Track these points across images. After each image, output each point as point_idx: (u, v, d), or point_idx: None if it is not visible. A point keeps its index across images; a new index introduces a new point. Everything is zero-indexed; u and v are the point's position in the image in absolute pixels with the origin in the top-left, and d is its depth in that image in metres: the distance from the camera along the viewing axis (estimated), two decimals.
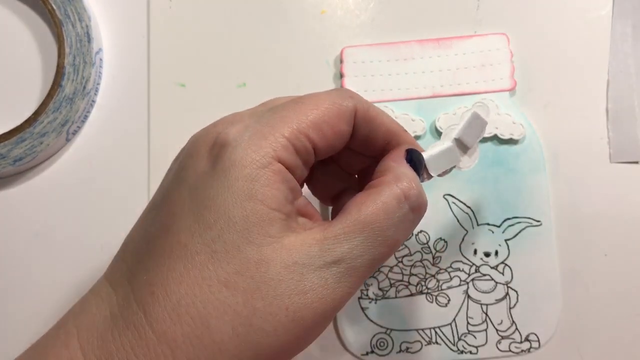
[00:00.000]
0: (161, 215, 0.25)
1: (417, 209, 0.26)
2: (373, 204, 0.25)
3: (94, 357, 0.22)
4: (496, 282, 0.37)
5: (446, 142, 0.29)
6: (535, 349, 0.37)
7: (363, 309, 0.37)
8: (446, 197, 0.38)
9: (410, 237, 0.37)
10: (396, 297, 0.37)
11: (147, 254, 0.24)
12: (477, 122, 0.29)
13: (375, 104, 0.38)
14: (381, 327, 0.37)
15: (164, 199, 0.25)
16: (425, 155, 0.28)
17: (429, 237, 0.37)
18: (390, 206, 0.25)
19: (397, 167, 0.26)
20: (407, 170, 0.26)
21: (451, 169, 0.29)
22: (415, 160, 0.27)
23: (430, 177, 0.28)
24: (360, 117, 0.27)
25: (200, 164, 0.25)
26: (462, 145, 0.29)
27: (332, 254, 0.24)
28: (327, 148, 0.26)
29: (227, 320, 0.22)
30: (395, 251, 0.26)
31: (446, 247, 0.37)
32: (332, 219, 0.25)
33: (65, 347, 0.23)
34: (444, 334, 0.37)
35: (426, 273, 0.37)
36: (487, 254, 0.37)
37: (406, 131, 0.29)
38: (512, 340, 0.37)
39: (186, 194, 0.24)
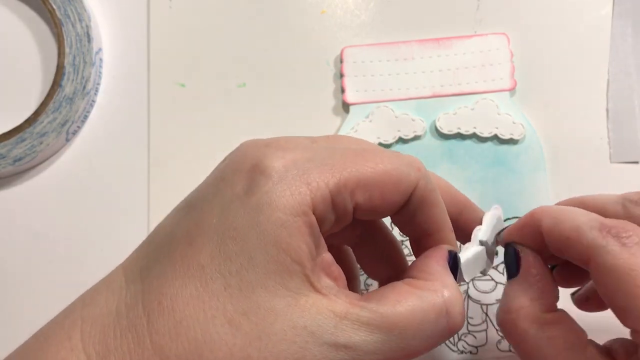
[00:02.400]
0: (189, 220, 0.24)
1: (453, 327, 0.24)
2: (410, 309, 0.23)
3: (93, 351, 0.22)
4: (496, 282, 0.37)
5: (475, 246, 0.27)
6: None
7: None
8: None
9: None
10: None
11: (166, 258, 0.23)
12: (498, 224, 0.28)
13: (375, 104, 0.38)
14: None
15: (197, 203, 0.24)
16: (461, 258, 0.26)
17: None
18: (427, 317, 0.23)
19: (443, 275, 0.25)
20: (451, 279, 0.25)
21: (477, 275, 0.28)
22: (454, 266, 0.26)
23: (462, 282, 0.27)
24: (418, 195, 0.25)
25: (239, 183, 0.23)
26: (488, 250, 0.28)
27: (344, 337, 0.22)
28: (369, 212, 0.24)
29: (220, 357, 0.21)
30: None
31: None
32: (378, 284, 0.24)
33: (68, 338, 0.23)
34: None
35: None
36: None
37: (452, 230, 0.27)
38: None
39: (217, 211, 0.23)
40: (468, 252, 0.27)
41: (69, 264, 0.38)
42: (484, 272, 0.28)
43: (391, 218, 0.26)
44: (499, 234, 0.29)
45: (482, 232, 0.28)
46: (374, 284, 0.37)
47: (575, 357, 0.24)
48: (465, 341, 0.37)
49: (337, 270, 0.24)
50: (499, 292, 0.37)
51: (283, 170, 0.23)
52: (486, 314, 0.37)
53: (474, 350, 0.37)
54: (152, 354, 0.22)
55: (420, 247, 0.27)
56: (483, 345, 0.37)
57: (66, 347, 0.23)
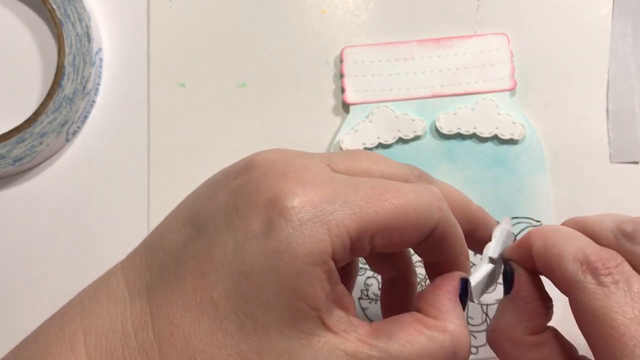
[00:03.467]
0: (199, 248, 0.23)
1: None
2: (419, 349, 0.23)
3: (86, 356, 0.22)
4: (497, 282, 0.37)
5: (486, 265, 0.27)
6: None
7: (363, 309, 0.37)
8: None
9: None
10: None
11: (176, 284, 0.23)
12: (508, 239, 0.28)
13: (375, 104, 0.38)
14: None
15: (208, 229, 0.24)
16: (472, 281, 0.26)
17: None
18: (434, 355, 0.23)
19: (452, 310, 0.25)
20: (460, 316, 0.25)
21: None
22: (464, 293, 0.26)
23: (471, 301, 0.27)
24: (437, 233, 0.25)
25: (255, 221, 0.23)
26: (496, 264, 0.28)
27: None
28: (386, 249, 0.24)
29: None
30: None
31: None
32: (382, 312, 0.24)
33: (71, 351, 0.23)
34: None
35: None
36: None
37: (468, 256, 0.27)
38: None
39: (231, 247, 0.22)
40: (478, 274, 0.27)
41: (69, 264, 0.38)
42: (490, 290, 0.29)
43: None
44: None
45: (492, 249, 0.27)
46: (374, 283, 0.37)
47: None
48: None
49: (348, 300, 0.24)
50: (499, 292, 0.37)
51: (303, 212, 0.22)
52: (486, 314, 0.37)
53: (474, 350, 0.37)
54: None
55: (434, 270, 0.27)
56: (483, 345, 0.37)
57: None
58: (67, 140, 0.39)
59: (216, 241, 0.23)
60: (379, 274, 0.30)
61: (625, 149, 0.38)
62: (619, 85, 0.39)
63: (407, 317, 0.24)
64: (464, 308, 0.25)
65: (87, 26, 0.38)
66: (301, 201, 0.22)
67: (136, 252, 0.25)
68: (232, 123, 0.39)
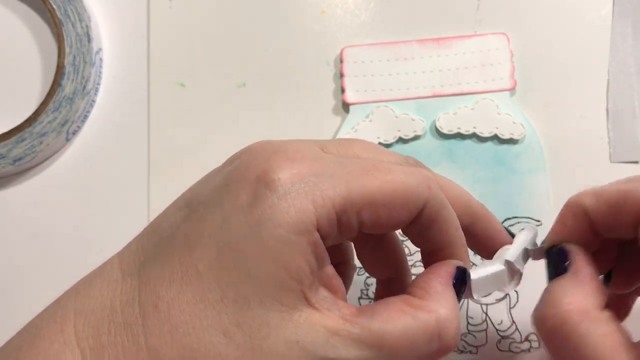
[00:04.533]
0: (189, 225, 0.24)
1: (445, 350, 0.23)
2: (401, 328, 0.23)
3: (87, 346, 0.22)
4: (505, 289, 0.37)
5: (497, 265, 0.27)
6: (535, 349, 0.37)
7: None
8: None
9: None
10: None
11: (164, 260, 0.23)
12: (531, 246, 0.27)
13: (375, 104, 0.38)
14: None
15: (199, 207, 0.24)
16: (473, 275, 0.26)
17: None
18: (418, 339, 0.23)
19: (441, 293, 0.24)
20: (450, 300, 0.24)
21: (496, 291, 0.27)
22: (461, 282, 0.25)
23: (470, 297, 0.26)
24: (428, 213, 0.24)
25: (242, 194, 0.23)
26: (511, 269, 0.27)
27: (336, 353, 0.22)
28: (375, 228, 0.24)
29: None
30: None
31: None
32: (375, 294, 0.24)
33: (61, 332, 0.23)
34: None
35: None
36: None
37: (465, 245, 0.26)
38: (512, 340, 0.37)
39: (218, 220, 0.23)
40: (484, 270, 0.26)
41: (69, 264, 0.38)
42: (504, 292, 0.27)
43: (401, 230, 0.26)
44: (531, 251, 0.28)
45: (511, 253, 0.27)
46: (374, 283, 0.37)
47: (632, 355, 0.23)
48: (465, 341, 0.37)
49: (337, 282, 0.24)
50: (499, 292, 0.37)
51: (289, 184, 0.22)
52: (486, 314, 0.37)
53: (474, 350, 0.37)
54: (146, 355, 0.22)
55: (430, 260, 0.26)
56: (483, 345, 0.37)
57: (59, 340, 0.23)
58: (67, 140, 0.39)
59: (206, 217, 0.23)
60: (373, 275, 0.30)
61: (625, 149, 0.38)
62: (619, 85, 0.39)
63: (394, 299, 0.24)
64: (459, 298, 0.25)
65: (87, 26, 0.38)
66: (288, 174, 0.22)
67: (134, 239, 0.26)
68: (232, 123, 0.39)
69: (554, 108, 0.39)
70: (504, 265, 0.27)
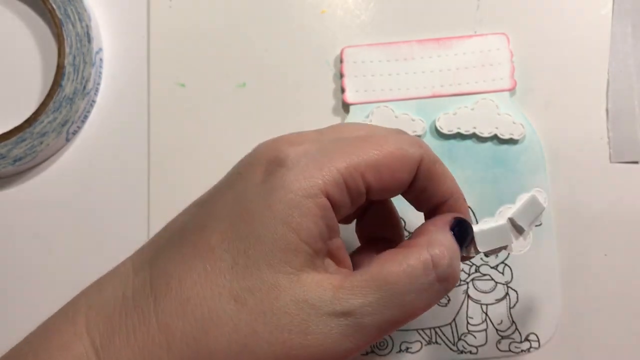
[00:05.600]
0: (202, 212, 0.25)
1: (444, 279, 0.24)
2: (397, 265, 0.24)
3: (97, 333, 0.23)
4: (496, 282, 0.37)
5: (500, 221, 0.27)
6: (535, 349, 0.37)
7: None
8: None
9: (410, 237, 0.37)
10: None
11: (176, 246, 0.24)
12: (534, 206, 0.28)
13: (375, 104, 0.38)
14: None
15: (210, 198, 0.26)
16: (475, 228, 0.27)
17: None
18: (415, 270, 0.24)
19: (434, 232, 0.25)
20: (444, 237, 0.25)
21: (500, 250, 0.28)
22: (462, 231, 0.26)
23: (477, 252, 0.27)
24: (424, 169, 0.26)
25: (254, 176, 0.24)
26: (515, 227, 0.28)
27: (343, 305, 0.23)
28: (382, 192, 0.25)
29: (226, 332, 0.22)
30: (412, 319, 0.24)
31: None
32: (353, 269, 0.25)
33: (72, 324, 0.24)
34: (443, 334, 0.37)
35: None
36: (487, 254, 0.37)
37: (464, 200, 0.28)
38: (512, 340, 0.37)
39: (230, 199, 0.24)
40: (487, 225, 0.27)
41: (69, 264, 0.38)
42: (507, 249, 0.28)
43: (404, 197, 0.27)
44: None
45: (513, 211, 0.28)
46: None
47: None
48: (465, 341, 0.37)
49: (344, 255, 0.25)
50: (499, 292, 0.37)
51: (296, 158, 0.24)
52: (486, 314, 0.37)
53: (474, 350, 0.37)
54: (157, 332, 0.22)
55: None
56: (483, 345, 0.37)
57: (69, 331, 0.23)
58: (67, 140, 0.39)
59: (218, 201, 0.25)
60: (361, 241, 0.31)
61: (625, 149, 0.38)
62: (619, 85, 0.39)
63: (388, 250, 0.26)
64: (462, 247, 0.26)
65: (87, 26, 0.38)
66: (295, 151, 0.24)
67: (146, 243, 0.26)
68: (232, 123, 0.39)
69: (554, 108, 0.39)
70: (506, 221, 0.27)
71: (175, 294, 0.23)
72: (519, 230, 0.28)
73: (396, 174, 0.25)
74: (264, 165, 0.24)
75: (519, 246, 0.28)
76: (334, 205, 0.24)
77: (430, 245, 0.25)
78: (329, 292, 0.23)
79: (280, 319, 0.22)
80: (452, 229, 0.26)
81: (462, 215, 0.27)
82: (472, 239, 0.27)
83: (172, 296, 0.23)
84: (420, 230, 0.26)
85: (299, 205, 0.23)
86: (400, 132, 0.27)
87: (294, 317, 0.22)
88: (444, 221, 0.26)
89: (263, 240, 0.23)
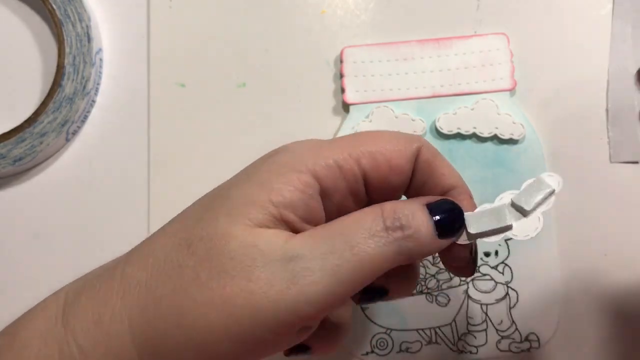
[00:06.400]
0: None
1: (396, 229, 0.23)
2: (348, 217, 0.24)
3: (71, 292, 0.25)
4: (496, 282, 0.37)
5: (498, 203, 0.26)
6: (535, 348, 0.37)
7: (363, 309, 0.37)
8: None
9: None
10: None
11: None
12: (540, 187, 0.26)
13: (375, 104, 0.38)
14: (381, 327, 0.37)
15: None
16: (468, 212, 0.25)
17: None
18: (363, 218, 0.23)
19: (405, 203, 0.24)
20: (406, 202, 0.25)
21: (498, 233, 0.26)
22: (444, 210, 0.24)
23: (472, 237, 0.25)
24: (423, 160, 0.26)
25: (262, 157, 0.26)
26: (517, 209, 0.26)
27: (293, 250, 0.22)
28: (380, 181, 0.25)
29: (173, 278, 0.23)
30: (370, 272, 0.23)
31: None
32: None
33: (55, 292, 0.25)
34: (443, 334, 0.37)
35: (426, 273, 0.37)
36: (487, 254, 0.37)
37: (470, 196, 0.27)
38: (512, 340, 0.37)
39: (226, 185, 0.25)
40: (484, 207, 0.26)
41: (69, 264, 0.38)
42: (508, 233, 0.26)
43: (406, 195, 0.27)
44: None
45: (517, 195, 0.26)
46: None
47: None
48: (465, 341, 0.37)
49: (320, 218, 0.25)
50: (499, 292, 0.37)
51: (297, 146, 0.25)
52: (486, 314, 0.37)
53: (474, 350, 0.37)
54: (119, 282, 0.24)
55: None
56: (483, 345, 0.37)
57: (51, 297, 0.25)
58: (67, 140, 0.39)
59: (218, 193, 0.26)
60: None
61: (625, 149, 0.38)
62: (619, 85, 0.39)
63: None
64: (448, 230, 0.24)
65: (87, 26, 0.38)
66: (300, 142, 0.26)
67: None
68: (232, 123, 0.39)
69: (554, 108, 0.39)
70: (507, 203, 0.26)
71: (144, 249, 0.24)
72: (522, 212, 0.26)
73: (393, 162, 0.25)
74: (274, 151, 0.26)
75: (524, 230, 0.27)
76: (325, 188, 0.24)
77: (385, 204, 0.24)
78: (281, 240, 0.23)
79: (224, 264, 0.22)
80: (429, 206, 0.24)
81: (450, 199, 0.25)
82: (463, 221, 0.25)
83: (140, 252, 0.24)
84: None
85: (282, 174, 0.23)
86: (399, 131, 0.28)
87: (239, 262, 0.22)
88: (420, 199, 0.25)
89: (232, 196, 0.24)
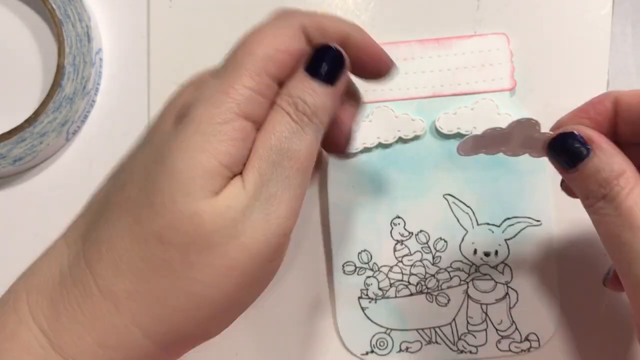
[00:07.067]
0: (123, 174, 0.25)
1: (302, 117, 0.24)
2: (264, 133, 0.24)
3: (43, 317, 0.23)
4: (496, 282, 0.37)
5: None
6: (536, 348, 0.37)
7: (363, 309, 0.37)
8: (446, 196, 0.38)
9: (409, 236, 0.37)
10: (396, 296, 0.37)
11: (102, 212, 0.24)
12: (525, 125, 0.29)
13: (375, 104, 0.38)
14: (381, 326, 0.37)
15: (129, 159, 0.26)
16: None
17: (429, 237, 0.37)
18: (275, 126, 0.24)
19: (288, 85, 0.25)
20: (293, 81, 0.25)
21: (485, 149, 0.28)
22: (328, 62, 0.26)
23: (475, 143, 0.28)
24: (313, 28, 0.26)
25: (166, 125, 0.25)
26: (513, 128, 0.29)
27: (251, 191, 0.23)
28: (289, 75, 0.25)
29: (164, 274, 0.22)
30: (308, 161, 0.24)
31: (446, 247, 0.37)
32: None
33: (14, 311, 0.23)
34: (443, 334, 0.37)
35: (426, 273, 0.37)
36: (487, 254, 0.37)
37: (358, 27, 0.28)
38: (512, 340, 0.37)
39: (148, 152, 0.24)
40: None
41: None
42: (505, 152, 0.29)
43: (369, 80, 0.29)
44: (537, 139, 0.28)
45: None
46: (374, 283, 0.37)
47: None
48: (465, 341, 0.37)
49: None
50: (499, 292, 0.37)
51: (200, 94, 0.24)
52: (486, 314, 0.37)
53: (474, 350, 0.37)
54: (101, 299, 0.22)
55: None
56: (483, 345, 0.37)
57: (13, 320, 0.23)
58: (67, 140, 0.39)
59: (137, 157, 0.25)
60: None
61: None
62: (619, 85, 0.39)
63: None
64: (329, 80, 0.26)
65: (87, 26, 0.38)
66: (199, 89, 0.25)
67: (73, 220, 0.26)
68: None
69: (554, 108, 0.39)
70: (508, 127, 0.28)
71: (107, 257, 0.23)
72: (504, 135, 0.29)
73: (291, 50, 0.25)
74: (174, 114, 0.25)
75: (517, 150, 0.29)
76: (258, 120, 0.24)
77: (279, 99, 0.25)
78: (239, 188, 0.23)
79: (209, 239, 0.22)
80: (308, 68, 0.25)
81: (329, 44, 0.26)
82: (342, 61, 0.26)
83: (105, 260, 0.23)
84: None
85: (215, 132, 0.23)
86: (272, 17, 0.28)
87: (222, 229, 0.22)
88: (300, 64, 0.25)
89: (179, 172, 0.22)
